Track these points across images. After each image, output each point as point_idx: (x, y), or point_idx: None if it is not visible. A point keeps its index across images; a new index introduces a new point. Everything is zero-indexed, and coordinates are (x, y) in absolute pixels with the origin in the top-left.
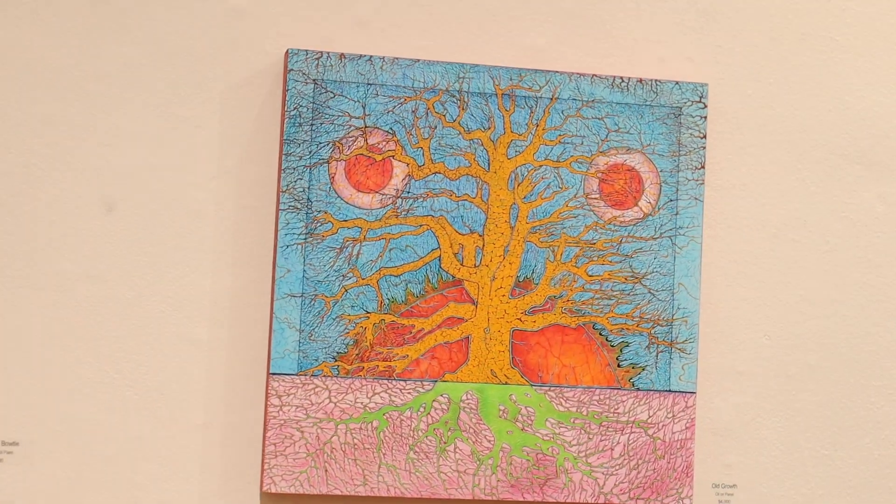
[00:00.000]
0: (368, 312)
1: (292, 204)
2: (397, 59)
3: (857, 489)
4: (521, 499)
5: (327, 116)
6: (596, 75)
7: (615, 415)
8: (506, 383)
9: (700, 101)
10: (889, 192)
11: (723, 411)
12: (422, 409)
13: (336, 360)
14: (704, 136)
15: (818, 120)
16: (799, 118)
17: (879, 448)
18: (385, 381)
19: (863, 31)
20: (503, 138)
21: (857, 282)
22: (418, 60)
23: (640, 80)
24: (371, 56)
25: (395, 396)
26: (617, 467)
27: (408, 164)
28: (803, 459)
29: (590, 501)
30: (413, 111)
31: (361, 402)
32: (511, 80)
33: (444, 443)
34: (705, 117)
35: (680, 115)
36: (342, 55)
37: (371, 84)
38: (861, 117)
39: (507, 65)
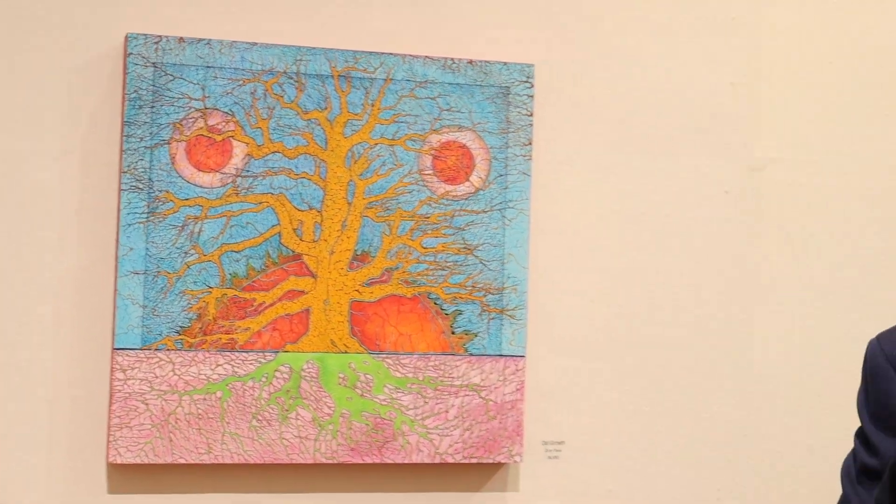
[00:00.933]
0: (211, 287)
1: (134, 184)
2: (235, 42)
3: (675, 441)
4: (361, 461)
5: (167, 98)
6: (428, 57)
7: (449, 379)
8: (345, 352)
9: (527, 81)
10: (704, 164)
11: (551, 373)
12: (264, 379)
13: (180, 335)
14: (531, 115)
15: (639, 98)
16: (621, 96)
17: (694, 403)
18: (228, 354)
19: (678, 13)
20: (340, 118)
21: (673, 249)
22: (256, 44)
23: (471, 62)
24: (210, 39)
25: (238, 367)
26: (451, 428)
27: (247, 144)
28: (626, 415)
29: (426, 461)
30: (252, 93)
31: (205, 374)
32: (346, 62)
33: (286, 410)
34: (532, 96)
35: (508, 94)
36: (181, 39)
37: (210, 67)
38: (679, 94)
39: (342, 47)
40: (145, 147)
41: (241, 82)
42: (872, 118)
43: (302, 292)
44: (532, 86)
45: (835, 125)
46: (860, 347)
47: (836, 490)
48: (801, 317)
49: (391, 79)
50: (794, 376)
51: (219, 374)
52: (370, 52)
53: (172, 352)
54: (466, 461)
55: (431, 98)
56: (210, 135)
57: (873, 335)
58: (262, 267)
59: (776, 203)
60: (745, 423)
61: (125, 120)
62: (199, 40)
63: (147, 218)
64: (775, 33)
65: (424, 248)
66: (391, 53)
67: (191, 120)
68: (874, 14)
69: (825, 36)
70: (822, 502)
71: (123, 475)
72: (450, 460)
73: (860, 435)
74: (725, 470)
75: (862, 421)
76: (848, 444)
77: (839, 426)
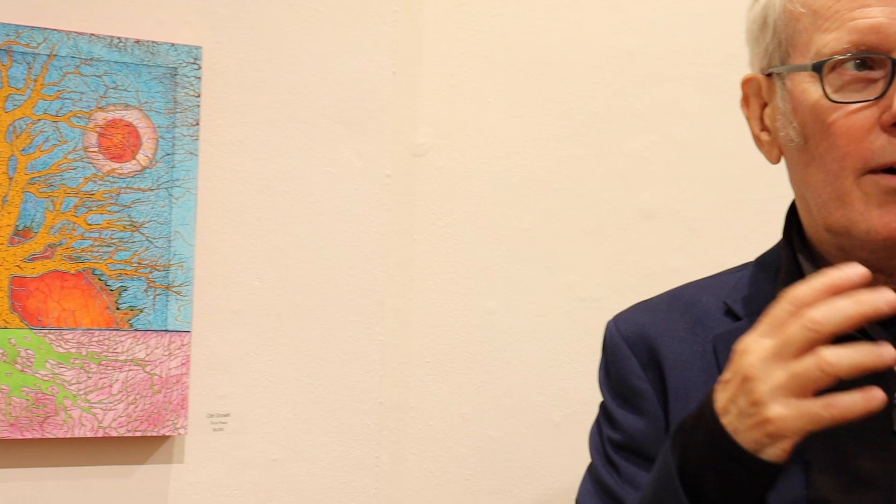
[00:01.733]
0: None
1: None
2: None
3: (336, 412)
4: (21, 437)
5: None
6: (94, 34)
7: (114, 354)
8: (5, 328)
9: (195, 63)
10: (365, 150)
11: (218, 348)
12: None
13: None
14: (199, 96)
15: (304, 83)
16: (287, 81)
17: (355, 376)
18: None
19: (345, 4)
20: (1, 92)
21: (336, 228)
22: None
23: (138, 41)
24: None
25: None
26: (115, 402)
27: None
28: (290, 388)
29: (88, 435)
30: None
31: None
32: (8, 35)
33: None
34: (200, 78)
35: (175, 75)
36: None
37: None
38: (341, 81)
39: (3, 21)
40: None
41: None
42: (524, 109)
43: None
44: (199, 67)
45: (490, 114)
46: (503, 322)
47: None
48: (453, 295)
49: (55, 55)
50: (450, 352)
51: None
52: (32, 27)
53: None
54: (131, 434)
55: (97, 76)
56: None
57: (517, 315)
58: None
59: (434, 187)
60: (391, 395)
61: None
62: None
63: None
64: (435, 25)
65: (89, 224)
66: (55, 29)
67: None
68: (524, 9)
69: (482, 29)
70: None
71: None
72: (113, 434)
73: (603, 410)
74: (381, 441)
75: (604, 397)
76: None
77: (490, 395)
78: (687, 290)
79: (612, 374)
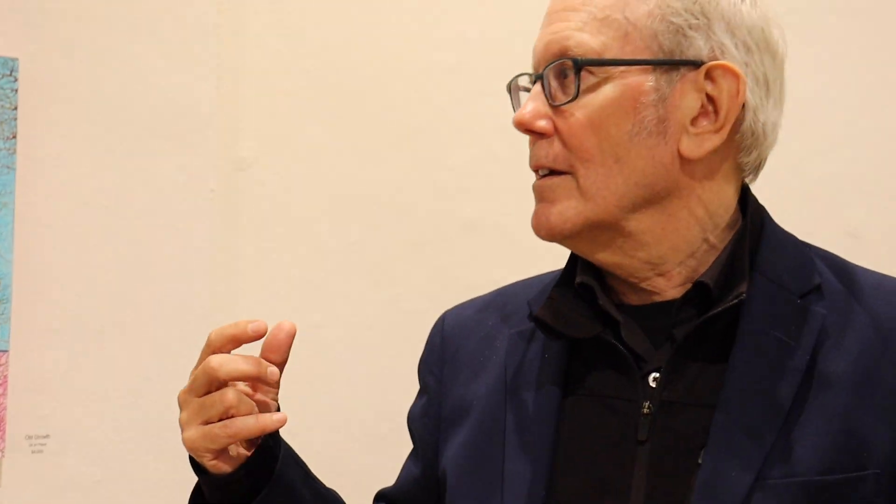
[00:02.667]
0: None
1: None
2: None
3: (160, 431)
4: None
5: None
6: None
7: None
8: None
9: (11, 75)
10: (188, 164)
11: (37, 367)
12: None
13: None
14: (16, 108)
15: (125, 97)
16: (108, 94)
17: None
18: None
19: (164, 15)
20: None
21: (159, 243)
22: None
23: None
24: None
25: None
26: None
27: None
28: (112, 406)
29: None
30: None
31: None
32: None
33: None
34: (16, 90)
35: None
36: None
37: None
38: (163, 95)
39: None
40: None
41: None
42: (347, 123)
43: None
44: (16, 80)
45: (313, 128)
46: (330, 335)
47: None
48: (279, 309)
49: None
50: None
51: None
52: None
53: None
54: None
55: None
56: None
57: (342, 328)
58: None
59: (259, 201)
60: None
61: None
62: None
63: None
64: (258, 39)
65: None
66: None
67: None
68: (346, 25)
69: (304, 44)
70: None
71: None
72: None
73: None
74: None
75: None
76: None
77: (316, 409)
78: (513, 287)
79: (421, 359)
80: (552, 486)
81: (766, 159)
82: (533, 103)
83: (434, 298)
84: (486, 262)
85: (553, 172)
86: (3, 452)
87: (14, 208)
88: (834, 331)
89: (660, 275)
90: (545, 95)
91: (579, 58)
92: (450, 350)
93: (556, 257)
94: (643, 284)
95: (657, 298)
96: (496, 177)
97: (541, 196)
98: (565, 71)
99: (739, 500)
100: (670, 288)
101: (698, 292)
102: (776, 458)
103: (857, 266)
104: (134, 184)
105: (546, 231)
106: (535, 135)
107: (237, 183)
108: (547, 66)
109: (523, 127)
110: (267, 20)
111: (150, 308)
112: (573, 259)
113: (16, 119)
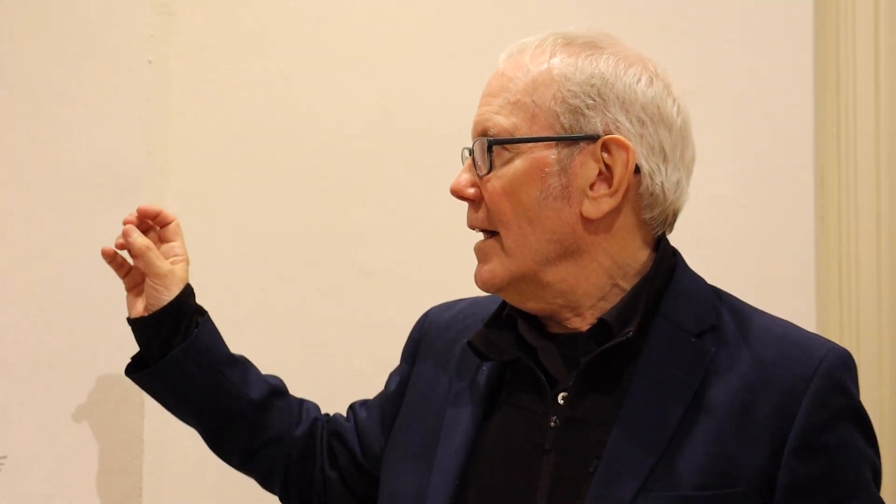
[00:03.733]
0: None
1: None
2: None
3: (103, 450)
4: None
5: None
6: None
7: None
8: None
9: None
10: (121, 218)
11: None
12: None
13: None
14: None
15: (51, 156)
16: (32, 155)
17: (123, 419)
18: None
19: (96, 83)
20: None
21: (88, 290)
22: None
23: None
24: None
25: None
26: None
27: None
28: (64, 425)
29: None
30: None
31: None
32: None
33: None
34: None
35: None
36: None
37: None
38: (91, 153)
39: None
40: None
41: None
42: (263, 182)
43: None
44: None
45: (232, 187)
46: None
47: None
48: None
49: None
50: None
51: None
52: None
53: None
54: None
55: None
56: None
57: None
58: None
59: None
60: (152, 432)
61: None
62: None
63: None
64: (182, 104)
65: None
66: None
67: None
68: (265, 92)
69: (228, 108)
70: None
71: None
72: None
73: None
74: (144, 474)
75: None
76: None
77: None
78: (485, 300)
79: (406, 342)
80: (459, 492)
81: (675, 213)
82: (465, 174)
83: (339, 341)
84: (383, 304)
85: (486, 231)
86: None
87: None
88: (722, 366)
89: (577, 315)
90: (474, 167)
91: (492, 137)
92: (424, 344)
93: (447, 297)
94: (563, 322)
95: (572, 330)
96: (390, 230)
97: (478, 257)
98: (486, 147)
99: None
100: (584, 324)
101: (601, 328)
102: (660, 473)
103: (756, 310)
104: (66, 241)
105: (481, 285)
106: (467, 200)
107: None
108: (473, 143)
109: (456, 194)
110: (193, 86)
111: (91, 347)
112: None
113: None
